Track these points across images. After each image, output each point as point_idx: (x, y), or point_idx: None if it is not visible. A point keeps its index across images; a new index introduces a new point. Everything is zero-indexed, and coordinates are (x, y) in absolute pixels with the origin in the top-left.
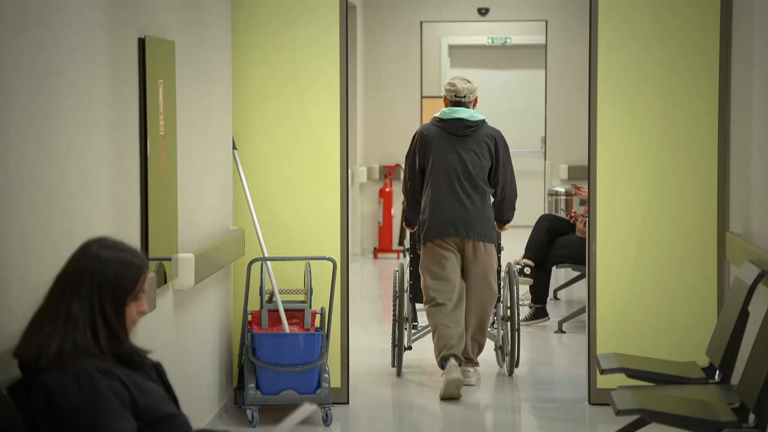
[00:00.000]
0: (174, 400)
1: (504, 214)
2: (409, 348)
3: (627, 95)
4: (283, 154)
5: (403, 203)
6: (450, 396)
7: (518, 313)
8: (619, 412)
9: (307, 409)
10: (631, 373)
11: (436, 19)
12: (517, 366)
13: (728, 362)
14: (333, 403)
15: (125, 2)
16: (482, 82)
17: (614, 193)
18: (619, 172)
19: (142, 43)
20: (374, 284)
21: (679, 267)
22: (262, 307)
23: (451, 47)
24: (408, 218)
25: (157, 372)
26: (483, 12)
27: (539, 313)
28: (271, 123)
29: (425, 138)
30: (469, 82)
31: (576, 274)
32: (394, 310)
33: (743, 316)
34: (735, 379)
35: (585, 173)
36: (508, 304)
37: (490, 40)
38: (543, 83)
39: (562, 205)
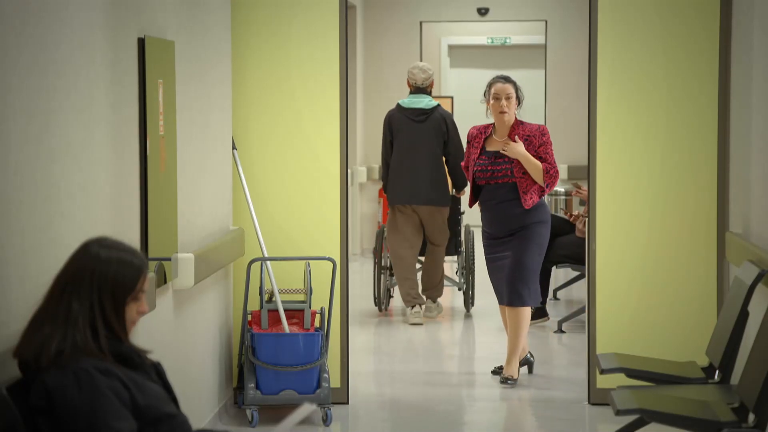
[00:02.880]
0: (174, 399)
1: (457, 179)
2: (389, 290)
3: (627, 95)
4: (282, 154)
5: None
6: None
7: (474, 265)
8: (618, 412)
9: (307, 408)
10: (631, 373)
11: (436, 19)
12: (473, 305)
13: (728, 362)
14: (333, 403)
15: (125, 2)
16: (482, 82)
17: (614, 193)
18: (618, 172)
19: (141, 43)
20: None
21: (679, 267)
22: (261, 307)
23: (451, 47)
24: (384, 185)
25: (157, 372)
26: (483, 12)
27: (539, 313)
28: (271, 123)
29: (391, 122)
30: (425, 71)
31: (576, 274)
32: (375, 261)
33: (743, 316)
34: (735, 379)
35: (585, 173)
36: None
37: (489, 40)
38: (543, 83)
39: (562, 205)
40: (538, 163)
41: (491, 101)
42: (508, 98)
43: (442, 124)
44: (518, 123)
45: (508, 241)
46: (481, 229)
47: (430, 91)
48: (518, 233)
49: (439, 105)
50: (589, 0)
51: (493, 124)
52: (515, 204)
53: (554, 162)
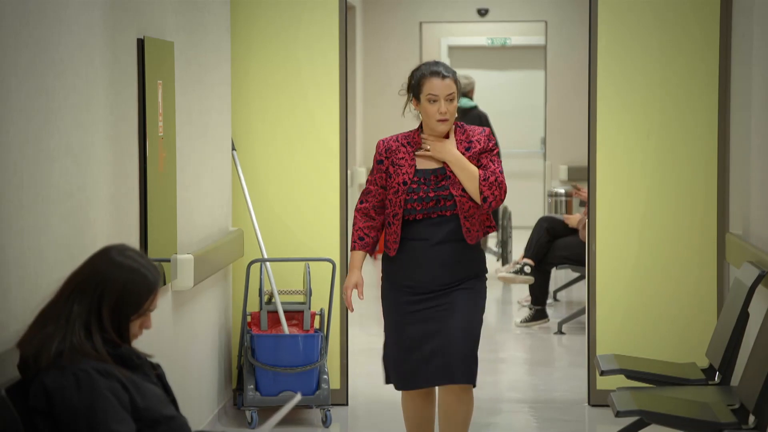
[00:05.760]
0: (173, 401)
1: None
2: None
3: (626, 96)
4: (282, 155)
5: None
6: None
7: (510, 237)
8: (618, 414)
9: (293, 401)
10: (631, 375)
11: (436, 19)
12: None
13: (728, 363)
14: (332, 405)
15: (124, 3)
16: (482, 82)
17: (614, 194)
18: (618, 173)
19: (141, 43)
20: (374, 285)
21: (679, 268)
22: (261, 308)
23: (451, 48)
24: None
25: (156, 373)
26: (482, 13)
27: (539, 314)
28: (271, 124)
29: None
30: (467, 78)
31: (576, 275)
32: None
33: (743, 317)
34: (735, 380)
35: (584, 174)
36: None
37: (489, 41)
38: (543, 84)
39: (563, 207)
40: (474, 168)
41: (425, 103)
42: (449, 99)
43: (477, 121)
44: (456, 126)
45: (439, 298)
46: (382, 280)
47: (471, 96)
48: (459, 287)
49: (477, 106)
50: (589, 1)
51: (418, 132)
52: (462, 246)
53: (500, 172)
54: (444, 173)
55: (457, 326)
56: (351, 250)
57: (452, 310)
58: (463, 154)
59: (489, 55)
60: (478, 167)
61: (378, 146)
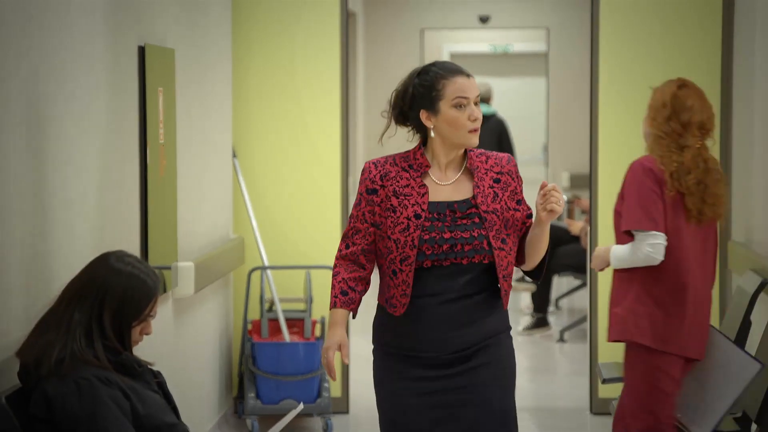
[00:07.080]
0: (174, 409)
1: None
2: None
3: (629, 102)
4: (283, 162)
5: None
6: None
7: None
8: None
9: (294, 411)
10: None
11: (438, 26)
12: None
13: None
14: (333, 413)
15: (125, 10)
16: None
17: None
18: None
19: (141, 51)
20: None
21: None
22: (262, 316)
23: (453, 55)
24: None
25: (157, 381)
26: (484, 19)
27: (541, 322)
28: (272, 131)
29: None
30: (485, 85)
31: (578, 282)
32: None
33: (745, 325)
34: None
35: (586, 181)
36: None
37: (491, 48)
38: (545, 91)
39: (565, 214)
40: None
41: (449, 111)
42: (476, 103)
43: (498, 127)
44: (469, 150)
45: (457, 378)
46: (375, 351)
47: (490, 102)
48: (481, 353)
49: (496, 112)
50: (591, 7)
51: (421, 152)
52: (476, 302)
53: None
54: (467, 209)
55: (487, 412)
56: (331, 308)
57: (476, 390)
58: (493, 186)
59: (491, 61)
60: (516, 210)
61: (368, 171)
